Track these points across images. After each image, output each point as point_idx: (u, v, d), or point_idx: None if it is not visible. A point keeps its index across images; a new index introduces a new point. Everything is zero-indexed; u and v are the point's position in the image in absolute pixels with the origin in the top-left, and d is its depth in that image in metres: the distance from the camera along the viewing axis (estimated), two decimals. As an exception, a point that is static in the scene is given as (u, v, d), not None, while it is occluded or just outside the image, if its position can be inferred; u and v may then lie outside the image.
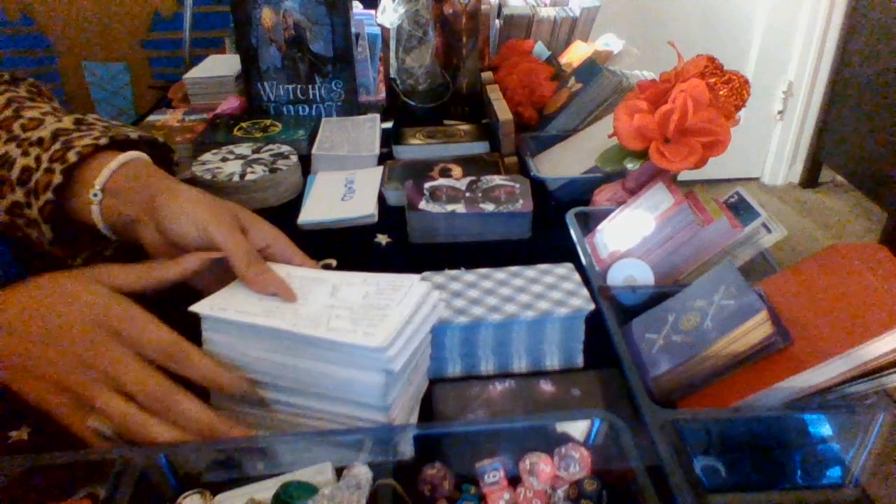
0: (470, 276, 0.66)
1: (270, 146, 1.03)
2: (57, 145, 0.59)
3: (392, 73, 1.30)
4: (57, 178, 0.57)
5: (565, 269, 0.67)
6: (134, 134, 0.65)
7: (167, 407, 0.48)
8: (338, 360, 0.50)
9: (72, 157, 0.58)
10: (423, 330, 0.54)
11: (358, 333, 0.49)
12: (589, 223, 0.83)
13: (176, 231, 0.56)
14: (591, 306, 0.61)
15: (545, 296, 0.62)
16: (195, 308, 0.52)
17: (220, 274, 0.57)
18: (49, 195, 0.58)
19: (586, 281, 0.66)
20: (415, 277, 0.58)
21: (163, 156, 0.71)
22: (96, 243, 0.66)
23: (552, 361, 0.63)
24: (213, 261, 0.56)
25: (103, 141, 0.60)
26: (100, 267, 0.53)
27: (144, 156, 0.63)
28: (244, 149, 1.02)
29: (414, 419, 0.55)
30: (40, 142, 0.60)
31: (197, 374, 0.49)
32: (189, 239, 0.56)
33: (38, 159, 0.59)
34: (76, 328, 0.48)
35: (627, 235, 0.73)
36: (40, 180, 0.58)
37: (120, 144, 0.62)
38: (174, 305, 0.54)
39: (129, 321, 0.49)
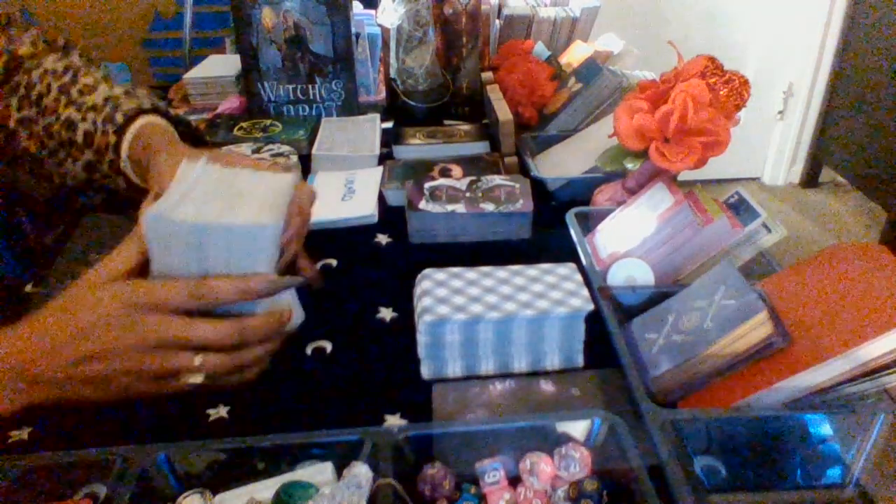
0: (471, 273, 0.66)
1: (270, 146, 1.03)
2: (108, 109, 0.71)
3: (392, 73, 1.30)
4: (111, 139, 0.70)
5: (567, 269, 0.67)
6: (171, 112, 0.76)
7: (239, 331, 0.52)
8: None
9: (119, 118, 0.70)
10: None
11: None
12: (589, 223, 0.82)
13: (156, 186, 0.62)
14: (591, 307, 0.61)
15: (545, 295, 0.62)
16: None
17: None
18: (110, 154, 0.70)
19: (586, 281, 0.66)
20: None
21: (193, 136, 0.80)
22: None
23: (552, 361, 0.63)
24: None
25: (147, 104, 0.72)
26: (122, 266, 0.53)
27: (156, 120, 0.72)
28: (244, 149, 1.02)
29: None
30: (94, 107, 0.71)
31: (228, 296, 0.51)
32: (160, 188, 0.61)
33: (94, 123, 0.71)
34: (114, 331, 0.48)
35: (627, 235, 0.73)
36: (100, 141, 0.70)
37: (158, 110, 0.73)
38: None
39: (148, 292, 0.49)
